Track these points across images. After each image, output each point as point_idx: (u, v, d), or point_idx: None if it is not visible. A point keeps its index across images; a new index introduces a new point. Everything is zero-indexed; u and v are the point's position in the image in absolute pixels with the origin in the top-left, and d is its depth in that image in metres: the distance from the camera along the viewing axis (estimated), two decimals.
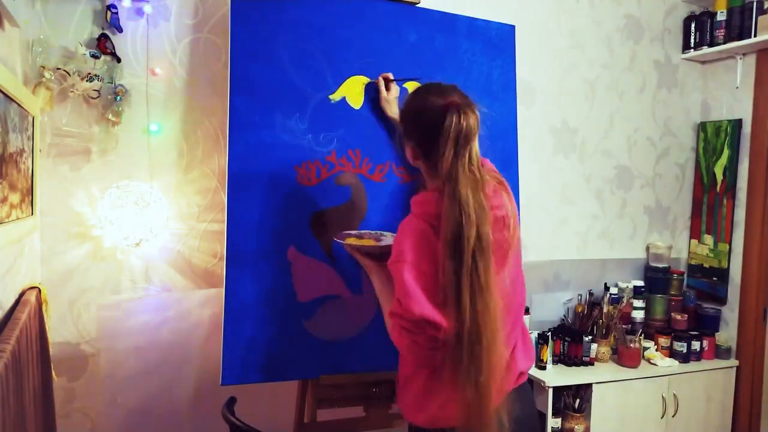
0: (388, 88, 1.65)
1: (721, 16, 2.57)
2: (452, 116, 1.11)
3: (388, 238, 1.49)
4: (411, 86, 1.74)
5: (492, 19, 1.89)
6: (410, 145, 1.24)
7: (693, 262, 2.80)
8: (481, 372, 1.07)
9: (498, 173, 1.26)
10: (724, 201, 2.66)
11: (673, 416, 2.34)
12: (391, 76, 1.66)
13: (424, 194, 1.21)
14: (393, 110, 1.63)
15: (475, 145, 1.15)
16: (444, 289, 1.09)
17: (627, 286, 2.56)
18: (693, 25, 2.70)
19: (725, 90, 2.70)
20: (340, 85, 1.66)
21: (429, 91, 1.21)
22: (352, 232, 1.57)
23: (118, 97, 1.70)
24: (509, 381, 1.26)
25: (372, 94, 1.68)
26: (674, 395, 2.34)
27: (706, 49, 2.65)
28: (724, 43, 2.56)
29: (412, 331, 1.13)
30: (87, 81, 1.63)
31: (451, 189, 1.10)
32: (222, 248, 1.58)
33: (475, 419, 1.09)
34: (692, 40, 2.71)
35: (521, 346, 1.32)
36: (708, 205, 2.74)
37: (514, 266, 1.24)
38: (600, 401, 2.18)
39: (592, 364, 2.29)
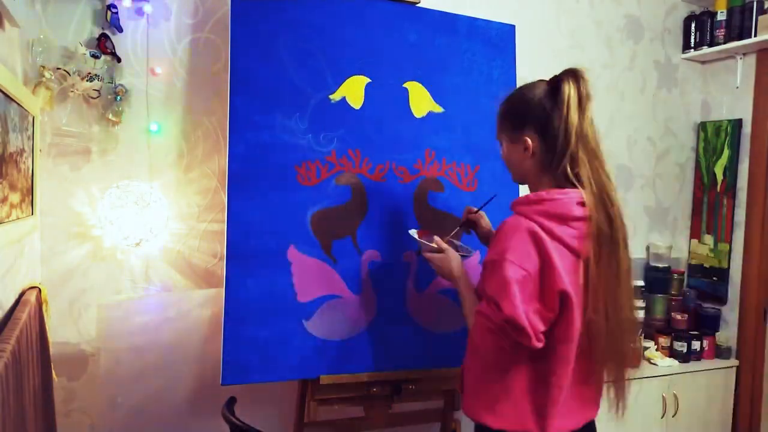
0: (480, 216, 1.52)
1: (721, 16, 2.57)
2: (567, 81, 1.14)
3: (467, 252, 1.48)
4: (411, 86, 1.74)
5: (492, 19, 1.89)
6: (527, 137, 1.19)
7: (693, 262, 2.80)
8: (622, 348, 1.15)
9: None
10: (725, 201, 2.66)
11: (673, 416, 2.34)
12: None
13: (536, 194, 1.17)
14: (457, 266, 1.34)
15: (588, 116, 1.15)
16: (564, 295, 1.09)
17: None
18: (693, 25, 2.69)
19: (725, 90, 2.70)
20: (341, 84, 1.66)
21: (526, 85, 1.23)
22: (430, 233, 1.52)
23: (118, 97, 1.69)
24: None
25: (372, 94, 1.68)
26: (674, 395, 2.34)
27: (706, 49, 2.65)
28: (725, 42, 2.56)
29: (496, 332, 1.10)
30: (87, 81, 1.63)
31: (576, 149, 1.12)
32: (222, 248, 1.58)
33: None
34: (692, 40, 2.70)
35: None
36: (708, 205, 2.74)
37: None
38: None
39: None
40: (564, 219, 1.11)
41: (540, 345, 1.09)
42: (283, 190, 1.58)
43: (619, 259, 1.15)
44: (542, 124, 1.17)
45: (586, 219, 1.11)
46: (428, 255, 1.37)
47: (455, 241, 1.51)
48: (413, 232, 1.49)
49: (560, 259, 1.09)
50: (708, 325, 2.59)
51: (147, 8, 1.74)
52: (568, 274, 1.09)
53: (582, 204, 1.12)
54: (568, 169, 1.14)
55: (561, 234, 1.11)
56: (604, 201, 1.13)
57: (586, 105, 1.14)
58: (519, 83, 1.90)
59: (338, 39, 1.66)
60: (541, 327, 1.09)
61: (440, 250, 1.35)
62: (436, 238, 1.39)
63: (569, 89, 1.13)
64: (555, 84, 1.17)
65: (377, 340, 1.64)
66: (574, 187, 1.14)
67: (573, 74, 1.15)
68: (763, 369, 2.49)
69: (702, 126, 2.79)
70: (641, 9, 2.65)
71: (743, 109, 2.61)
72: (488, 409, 1.19)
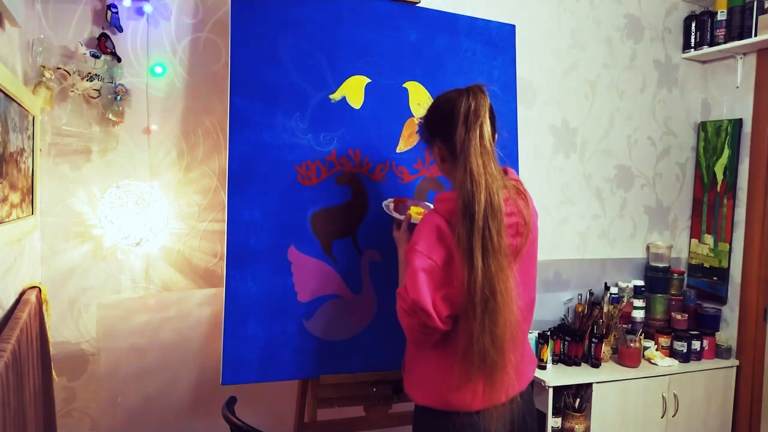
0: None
1: (721, 16, 2.57)
2: (462, 98, 1.20)
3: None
4: (411, 86, 1.75)
5: (492, 19, 1.89)
6: (436, 146, 1.30)
7: (693, 262, 2.80)
8: (496, 324, 1.13)
9: (521, 184, 1.30)
10: (725, 200, 2.66)
11: (673, 416, 2.34)
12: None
13: (446, 192, 1.27)
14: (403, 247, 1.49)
15: (486, 126, 1.19)
16: (457, 259, 1.16)
17: (627, 286, 2.56)
18: (693, 25, 2.69)
19: (725, 89, 2.70)
20: (341, 84, 1.66)
21: (445, 92, 1.30)
22: (408, 201, 1.63)
23: (119, 97, 1.69)
24: (521, 384, 1.30)
25: (372, 93, 1.69)
26: (674, 395, 2.34)
27: (706, 49, 2.65)
28: (725, 42, 2.56)
29: (409, 313, 1.21)
30: (87, 80, 1.63)
31: (462, 161, 1.17)
32: (222, 248, 1.58)
33: (492, 368, 1.14)
34: (692, 40, 2.70)
35: (528, 354, 1.38)
36: (708, 205, 2.74)
37: (527, 275, 1.29)
38: (600, 401, 2.18)
39: (599, 365, 2.28)
40: (453, 215, 1.19)
41: (444, 327, 1.19)
42: (283, 189, 1.58)
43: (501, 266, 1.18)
44: (443, 133, 1.26)
45: (507, 215, 1.19)
46: (394, 228, 1.54)
47: (429, 205, 1.59)
48: (388, 203, 1.56)
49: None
50: (708, 325, 2.59)
51: (147, 8, 1.74)
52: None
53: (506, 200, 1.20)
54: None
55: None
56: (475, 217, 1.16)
57: (472, 121, 1.18)
58: (519, 83, 1.92)
59: (338, 39, 1.66)
60: (446, 312, 1.18)
61: (402, 222, 1.48)
62: (408, 215, 1.50)
63: (461, 103, 1.20)
64: (455, 98, 1.23)
65: (377, 339, 1.64)
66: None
67: (468, 91, 1.21)
68: (764, 369, 2.49)
69: (702, 126, 2.79)
70: (641, 9, 2.65)
71: (743, 109, 2.61)
72: (415, 385, 1.32)
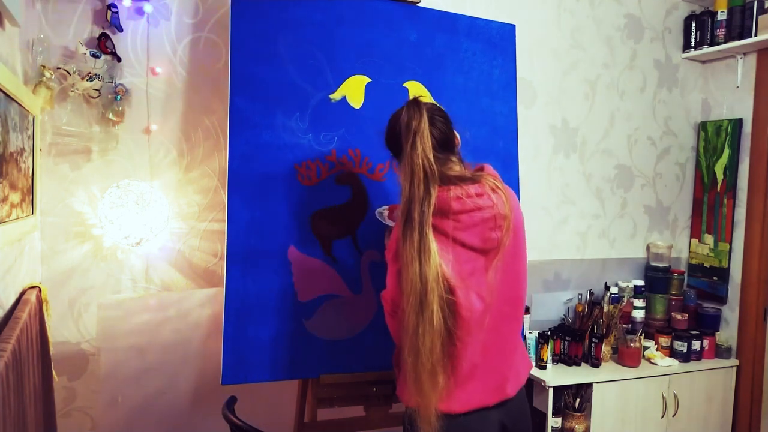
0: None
1: (721, 16, 2.57)
2: (399, 113, 1.25)
3: None
4: (411, 86, 1.74)
5: (492, 19, 1.89)
6: (395, 161, 1.32)
7: (693, 262, 2.80)
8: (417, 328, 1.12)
9: (499, 180, 1.28)
10: (725, 200, 2.66)
11: (673, 416, 2.34)
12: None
13: None
14: None
15: (422, 138, 1.19)
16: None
17: (627, 286, 2.56)
18: (693, 25, 2.69)
19: (726, 89, 2.70)
20: (341, 84, 1.66)
21: (393, 118, 1.33)
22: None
23: (119, 97, 1.69)
24: (513, 387, 1.28)
25: (372, 93, 1.68)
26: (674, 395, 2.34)
27: (706, 49, 2.65)
28: (725, 42, 2.56)
29: (391, 314, 1.27)
30: (87, 80, 1.63)
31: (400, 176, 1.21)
32: (222, 248, 1.58)
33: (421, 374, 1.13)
34: (693, 40, 2.70)
35: (521, 356, 1.35)
36: (708, 205, 2.74)
37: (512, 271, 1.25)
38: (600, 401, 2.18)
39: (599, 365, 2.28)
40: (445, 213, 1.19)
41: (388, 307, 1.26)
42: (283, 189, 1.58)
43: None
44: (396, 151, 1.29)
45: (468, 212, 1.19)
46: (385, 238, 1.54)
47: None
48: (382, 210, 1.56)
49: (441, 249, 1.16)
50: (708, 324, 2.58)
51: (147, 8, 1.74)
52: (448, 262, 1.17)
53: (460, 198, 1.19)
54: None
55: (442, 226, 1.18)
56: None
57: (408, 133, 1.20)
58: (519, 82, 1.92)
59: (338, 38, 1.66)
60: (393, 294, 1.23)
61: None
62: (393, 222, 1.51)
63: (402, 115, 1.23)
64: (396, 115, 1.28)
65: (377, 339, 1.64)
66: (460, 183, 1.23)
67: (407, 104, 1.24)
68: (764, 369, 2.49)
69: (702, 125, 2.79)
70: (642, 8, 2.65)
71: (743, 109, 2.61)
72: (401, 387, 1.28)
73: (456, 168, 1.28)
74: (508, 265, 1.24)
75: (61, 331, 1.72)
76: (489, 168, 1.31)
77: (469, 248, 1.20)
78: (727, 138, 2.65)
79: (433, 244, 1.14)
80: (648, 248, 2.73)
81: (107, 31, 1.69)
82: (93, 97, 1.68)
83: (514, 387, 1.28)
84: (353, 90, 1.67)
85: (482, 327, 1.20)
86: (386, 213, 1.54)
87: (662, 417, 2.32)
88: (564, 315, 2.51)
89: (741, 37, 2.50)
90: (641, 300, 2.52)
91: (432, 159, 1.18)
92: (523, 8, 2.35)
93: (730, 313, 2.62)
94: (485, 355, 1.22)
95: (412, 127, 1.19)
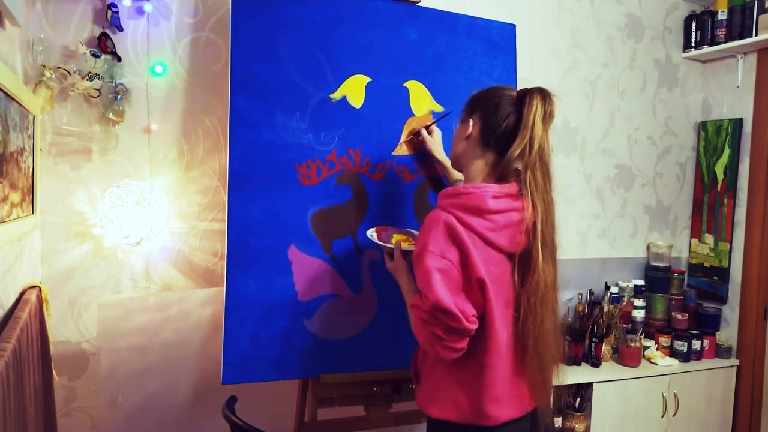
0: (430, 132, 1.68)
1: (721, 15, 2.57)
2: (536, 96, 1.19)
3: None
4: (411, 85, 1.74)
5: (493, 18, 1.89)
6: (474, 123, 1.26)
7: (693, 262, 2.80)
8: (546, 333, 1.18)
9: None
10: (725, 200, 2.66)
11: (673, 415, 2.34)
12: (431, 118, 1.70)
13: (455, 187, 1.23)
14: (440, 153, 1.66)
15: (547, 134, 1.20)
16: (481, 283, 1.14)
17: (627, 286, 2.56)
18: (694, 24, 2.69)
19: (726, 89, 2.70)
20: (341, 84, 1.66)
21: (501, 87, 1.29)
22: (388, 228, 1.60)
23: (119, 96, 1.69)
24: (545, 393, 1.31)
25: (372, 93, 1.69)
26: (675, 394, 2.34)
27: (706, 48, 2.65)
28: (725, 42, 2.56)
29: (429, 322, 1.14)
30: (87, 80, 1.63)
31: (536, 157, 1.18)
32: (223, 247, 1.58)
33: (543, 381, 1.20)
34: (693, 40, 2.70)
35: None
36: (709, 205, 2.74)
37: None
38: (600, 400, 2.18)
39: (599, 365, 2.28)
40: (479, 212, 1.16)
41: (473, 326, 1.13)
42: (283, 189, 1.58)
43: (540, 271, 1.20)
44: (489, 116, 1.24)
45: (503, 212, 1.17)
46: (386, 259, 1.48)
47: (412, 231, 1.59)
48: (371, 233, 1.53)
49: (476, 249, 1.14)
50: (708, 324, 2.59)
51: (147, 7, 1.74)
52: (484, 263, 1.15)
53: (497, 197, 1.17)
54: (517, 172, 1.22)
55: (476, 225, 1.15)
56: (544, 217, 1.22)
57: (548, 122, 1.20)
58: (519, 82, 1.91)
59: (339, 38, 1.66)
60: (472, 310, 1.14)
61: (394, 251, 1.44)
62: (397, 242, 1.47)
63: (537, 102, 1.19)
64: (523, 93, 1.23)
65: (378, 339, 1.64)
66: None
67: (541, 91, 1.21)
68: (764, 368, 2.49)
69: (702, 125, 2.79)
70: (642, 8, 2.65)
71: (744, 109, 2.61)
72: (431, 399, 1.24)
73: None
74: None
75: (61, 331, 1.72)
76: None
77: (498, 250, 1.18)
78: (728, 138, 2.65)
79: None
80: (648, 248, 2.73)
81: (107, 31, 1.69)
82: (93, 97, 1.68)
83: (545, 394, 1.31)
84: (353, 89, 1.67)
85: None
86: (375, 236, 1.52)
87: (662, 417, 2.32)
88: (564, 315, 2.51)
89: (741, 37, 2.50)
90: (641, 300, 2.52)
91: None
92: (523, 8, 2.35)
93: (731, 312, 2.62)
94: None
95: (549, 120, 1.20)
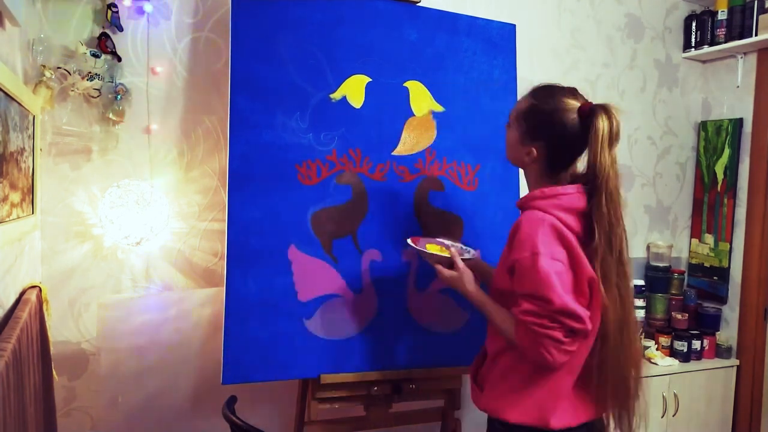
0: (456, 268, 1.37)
1: (722, 15, 2.57)
2: (601, 116, 1.15)
3: (468, 254, 1.48)
4: (411, 85, 1.74)
5: (493, 18, 1.89)
6: (537, 146, 1.24)
7: (693, 262, 2.80)
8: (631, 350, 1.18)
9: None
10: (725, 200, 2.66)
11: (673, 415, 2.34)
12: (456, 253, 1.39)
13: (557, 187, 1.21)
14: (470, 284, 1.34)
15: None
16: (591, 282, 1.14)
17: None
18: (694, 24, 2.69)
19: (726, 89, 2.70)
20: (341, 84, 1.66)
21: (560, 92, 1.23)
22: (420, 239, 1.52)
23: (119, 96, 1.69)
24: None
25: (372, 93, 1.69)
26: (675, 394, 2.34)
27: (706, 48, 2.65)
28: (725, 42, 2.56)
29: (548, 326, 1.10)
30: (87, 80, 1.63)
31: (602, 185, 1.14)
32: (223, 247, 1.58)
33: (625, 397, 1.19)
34: (693, 40, 2.70)
35: None
36: (709, 205, 2.74)
37: None
38: None
39: None
40: (575, 212, 1.17)
41: (591, 326, 1.13)
42: (283, 189, 1.58)
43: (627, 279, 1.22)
44: (558, 143, 1.22)
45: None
46: (439, 269, 1.37)
47: (459, 245, 1.53)
48: (410, 243, 1.45)
49: (580, 249, 1.15)
50: (708, 324, 2.58)
51: (147, 7, 1.74)
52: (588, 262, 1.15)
53: (581, 194, 1.19)
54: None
55: (575, 226, 1.17)
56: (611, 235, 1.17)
57: (614, 144, 1.17)
58: (520, 82, 1.91)
59: (339, 38, 1.66)
60: (586, 311, 1.13)
61: (451, 263, 1.36)
62: (452, 251, 1.40)
63: (603, 124, 1.15)
64: (587, 114, 1.18)
65: (378, 339, 1.64)
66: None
67: (606, 111, 1.16)
68: (764, 368, 2.49)
69: (703, 125, 2.79)
70: (642, 8, 2.65)
71: (744, 109, 2.61)
72: (510, 405, 1.22)
73: None
74: None
75: (61, 331, 1.72)
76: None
77: None
78: (728, 138, 2.65)
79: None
80: (648, 248, 2.73)
81: (107, 31, 1.69)
82: (93, 97, 1.68)
83: None
84: (353, 90, 1.67)
85: None
86: (412, 243, 1.45)
87: (662, 417, 2.32)
88: None
89: (741, 37, 2.50)
90: (641, 300, 2.52)
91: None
92: (523, 8, 2.35)
93: (731, 312, 2.62)
94: None
95: (615, 142, 1.16)
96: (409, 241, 1.47)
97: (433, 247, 1.47)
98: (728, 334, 2.60)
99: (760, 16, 2.42)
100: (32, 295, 1.34)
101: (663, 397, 2.31)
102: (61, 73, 1.62)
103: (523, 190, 2.12)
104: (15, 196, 1.25)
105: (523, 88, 2.34)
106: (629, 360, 1.20)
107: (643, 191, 2.72)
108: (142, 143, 1.78)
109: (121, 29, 1.72)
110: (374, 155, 1.68)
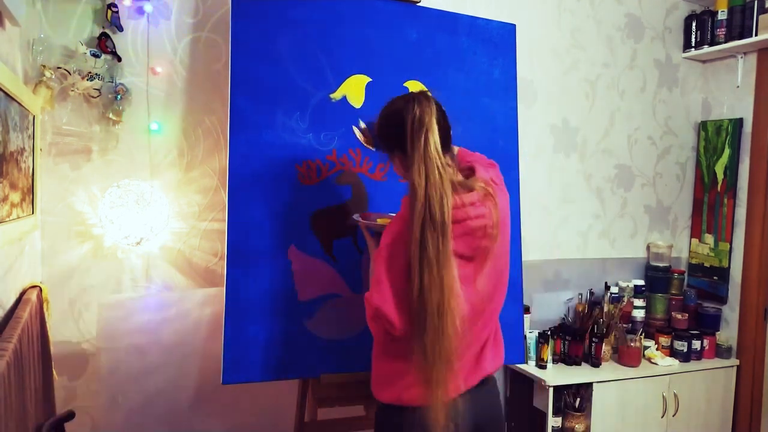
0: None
1: (721, 15, 2.57)
2: (408, 107, 1.17)
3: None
4: (411, 85, 1.74)
5: (493, 18, 1.89)
6: (396, 158, 1.27)
7: (693, 262, 2.80)
8: (437, 340, 1.12)
9: (491, 185, 1.24)
10: (725, 200, 2.66)
11: (673, 415, 2.34)
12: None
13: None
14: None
15: (432, 134, 1.15)
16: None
17: (627, 286, 2.56)
18: (694, 24, 2.69)
19: (726, 89, 2.70)
20: (341, 84, 1.66)
21: (392, 100, 1.27)
22: (375, 214, 1.59)
23: (119, 96, 1.69)
24: (474, 378, 1.26)
25: (373, 93, 1.68)
26: (675, 394, 2.34)
27: (706, 48, 2.65)
28: (725, 42, 2.56)
29: (373, 319, 1.21)
30: (87, 80, 1.63)
31: (409, 171, 1.15)
32: (222, 247, 1.58)
33: (440, 379, 1.13)
34: (693, 39, 2.70)
35: (492, 347, 1.31)
36: (709, 205, 2.74)
37: (495, 271, 1.24)
38: (600, 400, 2.18)
39: (599, 365, 2.28)
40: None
41: (405, 334, 1.16)
42: (283, 189, 1.58)
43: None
44: (401, 145, 1.21)
45: (460, 221, 1.16)
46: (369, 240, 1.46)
47: (390, 214, 1.56)
48: (357, 216, 1.52)
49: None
50: (708, 324, 2.59)
51: (147, 7, 1.74)
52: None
53: (455, 207, 1.16)
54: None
55: None
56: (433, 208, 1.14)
57: (417, 130, 1.15)
58: (519, 82, 1.92)
59: (339, 38, 1.66)
60: (406, 320, 1.16)
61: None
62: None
63: (409, 115, 1.17)
64: (402, 107, 1.20)
65: None
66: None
67: (412, 99, 1.19)
68: (764, 368, 2.49)
69: (703, 125, 2.79)
70: (642, 8, 2.65)
71: (744, 109, 2.61)
72: (377, 384, 1.28)
73: (451, 171, 1.22)
74: (495, 268, 1.23)
75: (61, 331, 1.72)
76: (480, 171, 1.26)
77: (458, 256, 1.17)
78: (728, 138, 2.65)
79: (446, 252, 1.11)
80: (648, 248, 2.73)
81: (107, 31, 1.69)
82: (93, 97, 1.68)
83: (475, 379, 1.27)
84: (354, 89, 1.67)
85: (466, 330, 1.19)
86: (360, 218, 1.50)
87: (662, 417, 2.32)
88: (564, 315, 2.51)
89: (741, 37, 2.51)
90: (641, 300, 2.52)
91: (443, 158, 1.15)
92: (523, 8, 2.35)
93: (731, 312, 2.62)
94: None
95: (425, 122, 1.15)
96: (356, 216, 1.51)
97: (384, 221, 1.49)
98: (728, 334, 2.60)
99: (760, 16, 2.42)
100: (33, 295, 1.34)
101: (663, 397, 2.31)
102: (61, 73, 1.62)
103: (524, 192, 2.13)
104: (15, 196, 1.25)
105: (523, 87, 2.37)
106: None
107: (643, 191, 2.72)
108: (142, 143, 1.78)
109: (121, 29, 1.72)
110: (374, 155, 1.68)
